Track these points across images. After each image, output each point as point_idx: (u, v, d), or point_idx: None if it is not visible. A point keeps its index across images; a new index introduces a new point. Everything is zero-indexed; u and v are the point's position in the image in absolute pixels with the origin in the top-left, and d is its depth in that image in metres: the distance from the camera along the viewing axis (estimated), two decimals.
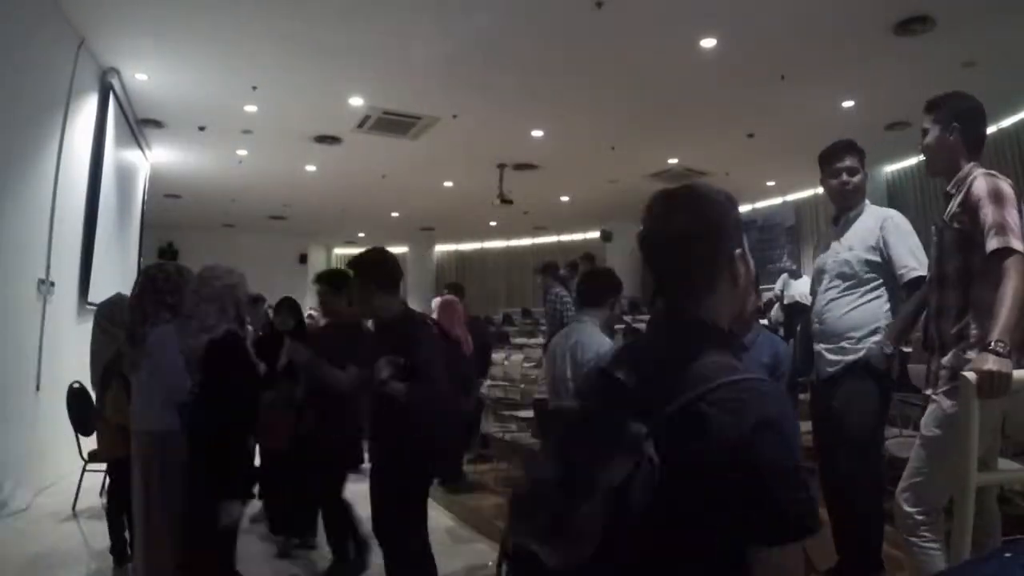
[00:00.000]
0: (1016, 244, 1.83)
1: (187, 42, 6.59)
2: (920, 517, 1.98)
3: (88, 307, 6.32)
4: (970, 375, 1.71)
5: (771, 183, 12.85)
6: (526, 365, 8.96)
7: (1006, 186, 1.95)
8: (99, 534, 4.50)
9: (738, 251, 1.21)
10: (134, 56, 6.86)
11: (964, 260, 1.98)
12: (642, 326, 9.01)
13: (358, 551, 3.66)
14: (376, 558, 3.24)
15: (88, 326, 6.02)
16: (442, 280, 19.15)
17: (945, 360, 1.96)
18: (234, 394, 2.38)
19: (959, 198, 2.01)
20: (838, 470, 2.65)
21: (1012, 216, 1.88)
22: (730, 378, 0.99)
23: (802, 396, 4.74)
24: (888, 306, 2.58)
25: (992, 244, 1.84)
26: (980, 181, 1.96)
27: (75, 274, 6.27)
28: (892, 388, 2.65)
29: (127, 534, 3.59)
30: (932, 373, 2.08)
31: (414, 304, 17.34)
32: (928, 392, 2.07)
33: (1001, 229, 1.84)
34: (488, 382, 6.84)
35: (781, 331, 8.63)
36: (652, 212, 1.29)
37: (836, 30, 6.40)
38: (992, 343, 1.74)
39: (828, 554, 2.04)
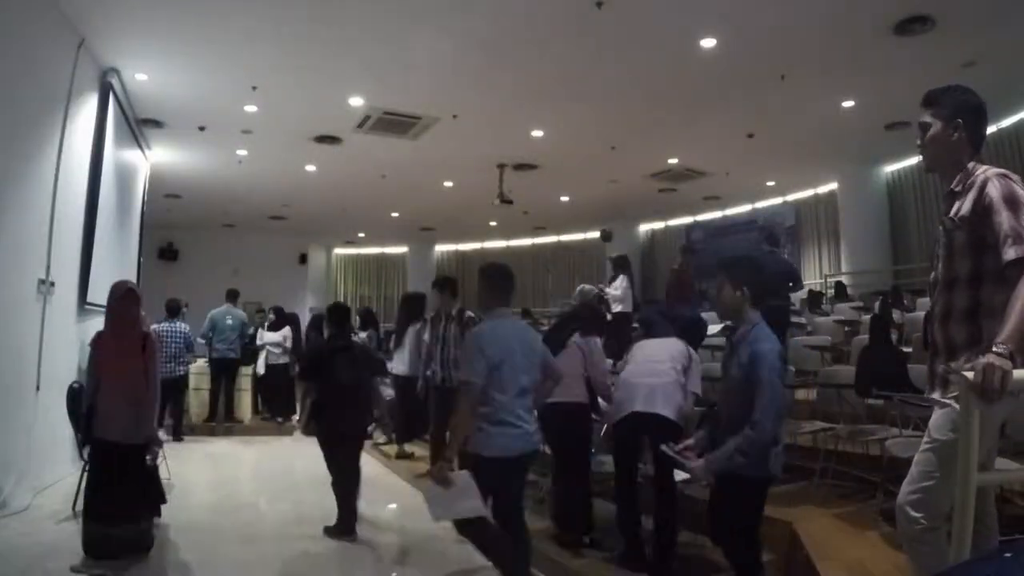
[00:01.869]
0: None
1: (187, 42, 6.60)
2: (926, 522, 1.94)
3: (88, 307, 6.32)
4: (969, 375, 1.70)
5: (771, 183, 12.85)
6: None
7: (1020, 190, 1.88)
8: None
9: None
10: (134, 56, 6.86)
11: (976, 263, 1.92)
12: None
13: None
14: None
15: (87, 325, 6.05)
16: None
17: (956, 364, 1.89)
18: None
19: (970, 198, 1.93)
20: None
21: None
22: None
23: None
24: None
25: (1010, 254, 1.79)
26: (995, 183, 1.88)
27: (75, 274, 6.26)
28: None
29: None
30: (938, 376, 2.01)
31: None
32: (935, 396, 1.99)
33: (1019, 238, 1.79)
34: None
35: None
36: None
37: (836, 30, 6.40)
38: (995, 345, 1.71)
39: None
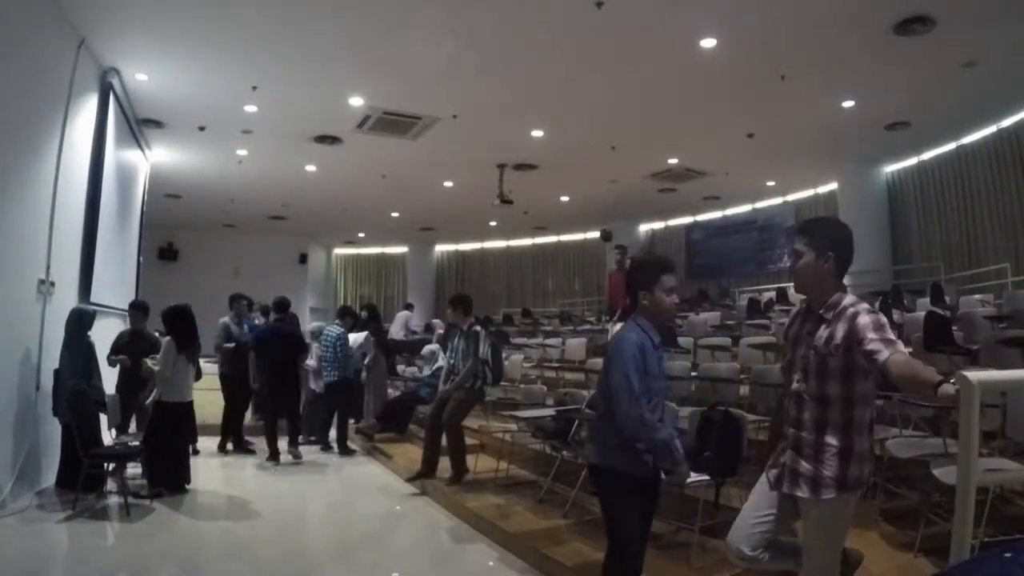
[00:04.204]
0: (903, 349, 2.11)
1: (187, 42, 6.60)
2: None
3: (92, 307, 6.32)
4: (970, 375, 1.73)
5: (771, 183, 12.85)
6: (526, 365, 8.96)
7: (883, 318, 2.20)
8: (99, 534, 4.51)
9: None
10: (134, 56, 6.86)
11: (847, 386, 2.22)
12: None
13: None
14: None
15: None
16: (442, 280, 19.19)
17: (807, 465, 2.25)
18: None
19: (842, 329, 2.21)
20: None
21: (891, 334, 2.14)
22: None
23: None
24: None
25: (883, 355, 2.07)
26: (864, 319, 2.17)
27: (75, 274, 6.26)
28: None
29: None
30: (788, 469, 2.32)
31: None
32: (798, 492, 2.27)
33: (889, 343, 2.10)
34: None
35: None
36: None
37: (836, 30, 6.40)
38: (942, 380, 1.89)
39: None
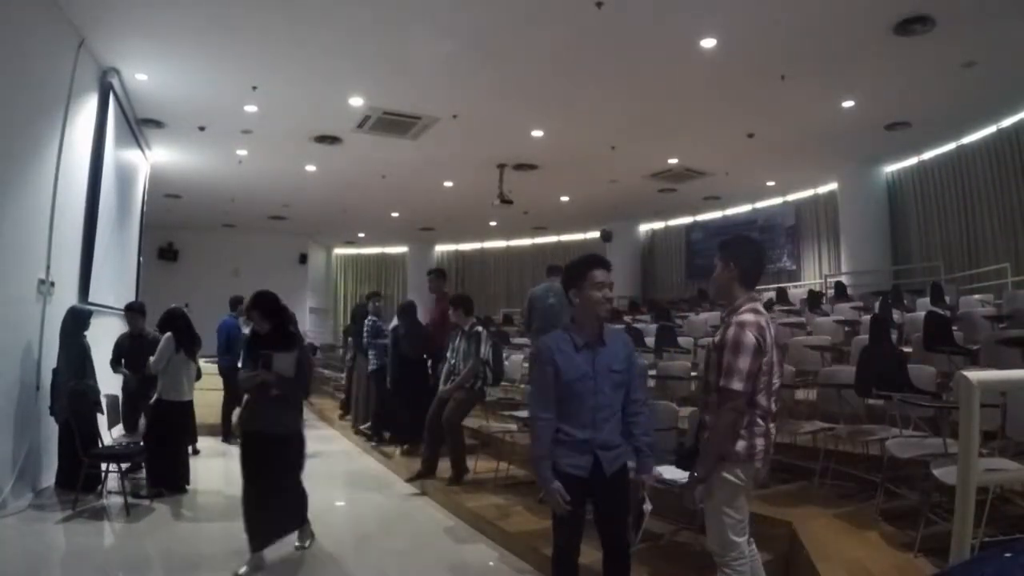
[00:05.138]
0: (734, 385, 2.36)
1: (187, 42, 6.60)
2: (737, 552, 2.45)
3: (88, 307, 6.32)
4: (970, 375, 1.72)
5: (771, 183, 12.85)
6: (525, 365, 8.95)
7: (749, 334, 2.39)
8: (99, 534, 4.51)
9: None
10: (134, 56, 6.87)
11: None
12: (643, 326, 9.01)
13: None
14: None
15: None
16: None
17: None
18: None
19: (724, 331, 2.49)
20: None
21: (742, 362, 2.37)
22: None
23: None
24: None
25: (721, 383, 2.40)
26: (731, 330, 2.44)
27: (75, 274, 6.26)
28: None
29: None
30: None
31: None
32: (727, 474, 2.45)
33: (728, 372, 2.38)
34: None
35: None
36: None
37: (836, 30, 6.40)
38: (695, 473, 2.48)
39: None
